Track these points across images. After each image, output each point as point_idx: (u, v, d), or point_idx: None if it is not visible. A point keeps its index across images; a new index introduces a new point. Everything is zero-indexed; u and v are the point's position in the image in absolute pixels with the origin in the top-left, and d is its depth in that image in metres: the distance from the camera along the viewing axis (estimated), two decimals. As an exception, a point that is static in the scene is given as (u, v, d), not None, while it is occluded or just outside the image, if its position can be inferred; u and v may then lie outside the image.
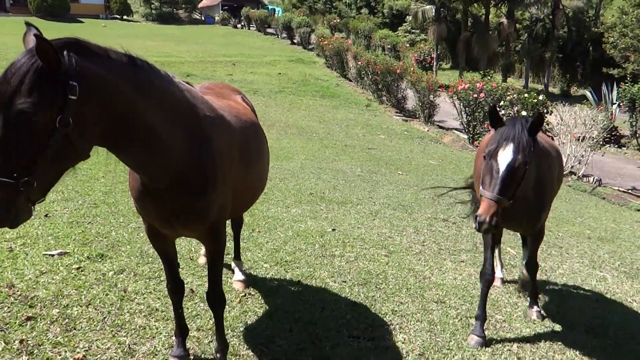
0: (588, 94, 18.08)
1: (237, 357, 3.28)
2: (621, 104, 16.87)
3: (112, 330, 3.34)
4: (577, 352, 3.85)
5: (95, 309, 3.56)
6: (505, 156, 3.23)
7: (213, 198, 2.64)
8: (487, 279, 3.99)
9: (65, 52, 1.93)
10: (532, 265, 4.30)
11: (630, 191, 11.46)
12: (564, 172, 12.08)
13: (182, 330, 3.16)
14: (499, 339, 3.94)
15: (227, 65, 25.27)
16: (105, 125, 2.13)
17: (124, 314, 3.56)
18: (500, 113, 3.58)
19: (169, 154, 2.42)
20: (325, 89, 22.02)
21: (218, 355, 3.09)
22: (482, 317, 3.89)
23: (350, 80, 24.35)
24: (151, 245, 3.14)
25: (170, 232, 2.86)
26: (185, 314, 3.66)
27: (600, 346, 4.00)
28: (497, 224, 3.17)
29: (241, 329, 3.61)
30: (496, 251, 4.92)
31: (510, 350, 3.77)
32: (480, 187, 3.38)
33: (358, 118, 17.10)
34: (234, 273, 4.35)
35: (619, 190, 11.56)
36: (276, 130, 12.94)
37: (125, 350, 3.16)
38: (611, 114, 14.05)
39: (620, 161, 15.41)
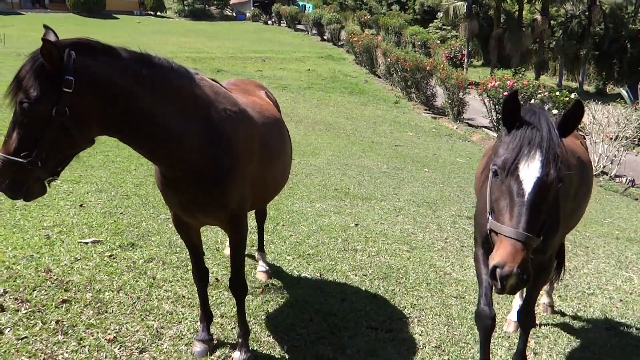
0: (623, 92, 17.64)
1: (259, 342, 3.42)
2: (658, 103, 16.39)
3: (141, 315, 3.52)
4: (596, 350, 3.86)
5: (126, 294, 3.75)
6: (532, 171, 2.22)
7: (231, 189, 2.76)
8: (484, 324, 3.00)
9: (67, 50, 2.18)
10: (527, 315, 3.14)
11: (664, 192, 11.18)
12: (596, 172, 11.86)
13: (206, 316, 3.31)
14: (516, 335, 3.98)
15: (257, 61, 25.53)
16: (109, 118, 2.36)
17: (152, 299, 3.74)
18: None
19: (182, 147, 2.55)
20: (354, 85, 22.05)
21: (240, 340, 3.22)
22: None
23: (379, 77, 24.30)
24: (178, 234, 3.30)
25: (192, 220, 3.01)
26: (210, 301, 3.82)
27: (619, 345, 3.99)
28: (530, 277, 2.16)
29: (263, 317, 3.74)
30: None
31: (527, 346, 3.80)
32: (491, 221, 2.33)
33: (386, 115, 17.09)
34: (258, 264, 4.48)
35: (652, 191, 11.29)
36: (304, 127, 13.07)
37: (153, 333, 3.33)
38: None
39: (656, 161, 14.99)
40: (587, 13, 28.82)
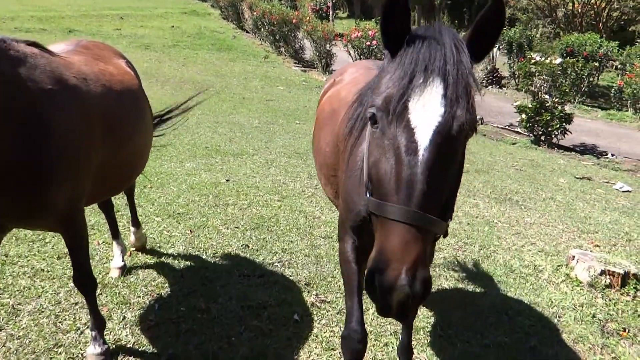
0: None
1: (128, 305, 3.37)
2: (500, 47, 18.11)
3: (-6, 294, 3.29)
4: (443, 268, 4.36)
5: (-26, 276, 3.47)
6: (430, 111, 1.44)
7: (55, 188, 2.22)
8: (354, 349, 2.20)
9: None
10: (407, 350, 2.68)
11: (507, 127, 12.54)
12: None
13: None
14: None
15: (115, 19, 23.67)
16: None
17: (6, 277, 3.50)
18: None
19: None
20: (222, 41, 21.43)
21: (93, 333, 2.84)
22: None
23: (247, 32, 23.84)
24: None
25: (6, 224, 2.47)
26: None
27: (464, 261, 4.55)
28: (429, 288, 1.40)
29: (132, 279, 3.68)
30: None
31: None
32: (369, 198, 1.54)
33: (256, 70, 16.94)
34: (130, 234, 4.09)
35: (497, 127, 12.61)
36: (170, 87, 12.56)
37: (8, 310, 3.14)
38: (489, 57, 15.02)
39: (501, 101, 16.66)
40: (439, -36, 30.51)
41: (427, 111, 1.44)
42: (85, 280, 2.73)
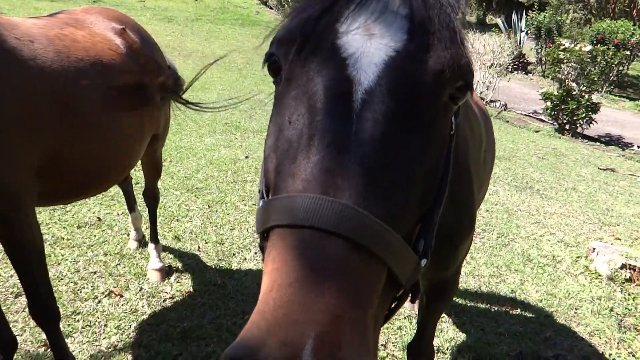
0: (499, 22, 18.76)
1: (145, 276, 3.42)
2: (528, 32, 17.67)
3: (15, 260, 3.36)
4: (461, 255, 4.33)
5: (-3, 241, 3.54)
6: (381, 38, 0.83)
7: None
8: None
9: None
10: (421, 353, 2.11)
11: (531, 114, 12.31)
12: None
13: None
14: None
15: (139, -9, 23.64)
16: None
17: (27, 244, 3.56)
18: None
19: None
20: (245, 17, 21.31)
21: None
22: None
23: (270, 8, 23.62)
24: None
25: None
26: (92, 241, 3.73)
27: (482, 248, 4.51)
28: None
29: (149, 251, 3.72)
30: None
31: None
32: (262, 203, 0.84)
33: (278, 47, 16.85)
34: (150, 259, 3.53)
35: (521, 113, 12.38)
36: (192, 61, 12.55)
37: (29, 277, 3.20)
38: (516, 42, 14.67)
39: (526, 87, 16.35)
40: (469, -56, 29.74)
41: (372, 35, 0.82)
42: (42, 309, 2.20)
